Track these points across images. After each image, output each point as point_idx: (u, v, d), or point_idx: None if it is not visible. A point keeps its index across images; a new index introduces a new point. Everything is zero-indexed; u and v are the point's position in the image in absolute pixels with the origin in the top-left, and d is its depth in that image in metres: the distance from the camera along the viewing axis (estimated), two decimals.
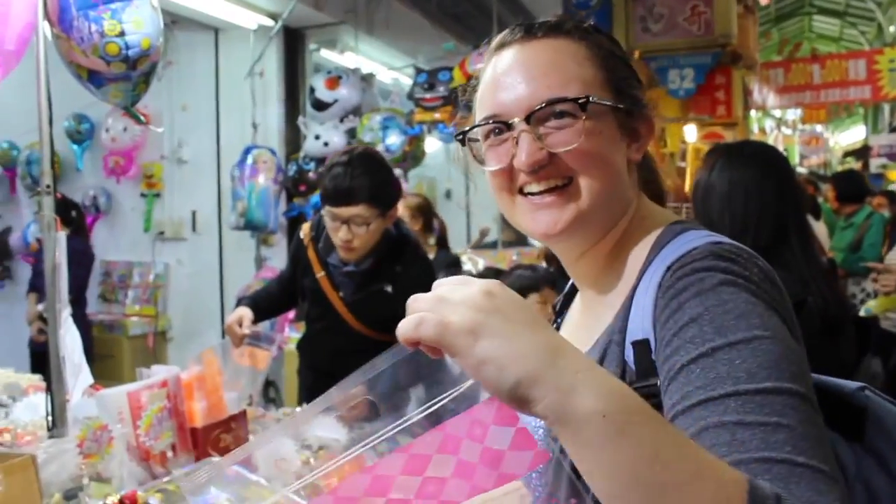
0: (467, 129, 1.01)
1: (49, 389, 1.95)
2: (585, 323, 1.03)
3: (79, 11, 1.81)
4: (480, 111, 1.01)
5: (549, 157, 0.93)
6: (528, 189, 0.96)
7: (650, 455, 0.60)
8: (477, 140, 1.01)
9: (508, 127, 0.95)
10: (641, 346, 0.86)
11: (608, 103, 0.96)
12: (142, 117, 2.11)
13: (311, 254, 2.73)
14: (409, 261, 2.62)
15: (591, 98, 0.93)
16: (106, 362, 5.65)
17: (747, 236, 1.85)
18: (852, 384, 0.93)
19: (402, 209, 4.17)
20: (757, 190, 1.95)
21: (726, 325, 0.77)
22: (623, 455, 0.60)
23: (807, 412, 0.72)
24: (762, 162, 2.01)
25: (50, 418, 1.93)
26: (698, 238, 0.90)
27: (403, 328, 0.64)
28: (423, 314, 0.64)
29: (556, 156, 0.93)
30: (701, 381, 0.75)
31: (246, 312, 2.77)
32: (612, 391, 0.62)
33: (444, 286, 0.67)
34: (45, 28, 1.88)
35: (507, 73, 0.97)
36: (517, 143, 0.94)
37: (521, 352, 0.62)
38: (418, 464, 0.64)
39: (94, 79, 1.92)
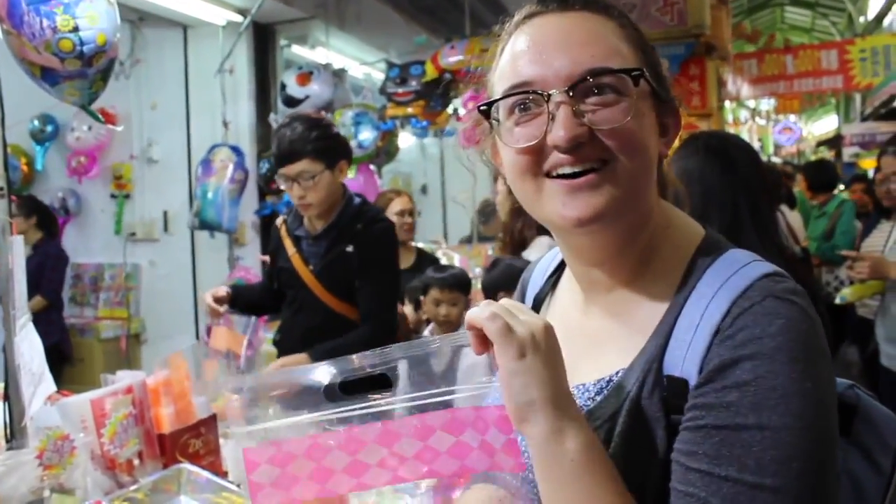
0: (495, 98, 0.90)
1: (7, 399, 1.88)
2: (596, 331, 0.95)
3: (29, 6, 1.74)
4: (503, 83, 0.90)
5: (589, 134, 0.84)
6: (560, 171, 0.86)
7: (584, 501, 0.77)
8: (497, 120, 0.91)
9: (543, 100, 0.85)
10: (678, 385, 0.82)
11: (654, 85, 0.89)
12: (100, 116, 2.04)
13: (283, 234, 2.85)
14: (370, 220, 2.74)
15: (644, 72, 0.86)
16: (77, 366, 5.56)
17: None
18: (842, 382, 0.94)
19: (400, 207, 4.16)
20: (700, 179, 1.93)
21: (765, 405, 0.76)
22: (563, 496, 0.78)
23: None
24: (706, 150, 1.99)
25: (8, 430, 1.86)
26: (745, 265, 0.85)
27: (476, 312, 0.79)
28: (497, 312, 0.78)
29: (596, 135, 0.84)
30: (713, 451, 0.77)
31: (222, 288, 2.87)
32: (586, 446, 0.77)
33: (513, 304, 0.82)
34: None
35: (541, 42, 0.87)
36: (553, 117, 0.84)
37: (547, 383, 0.77)
38: (426, 432, 0.81)
39: (48, 76, 1.85)
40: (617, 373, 0.88)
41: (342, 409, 0.82)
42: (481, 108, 0.92)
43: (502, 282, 2.90)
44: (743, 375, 0.77)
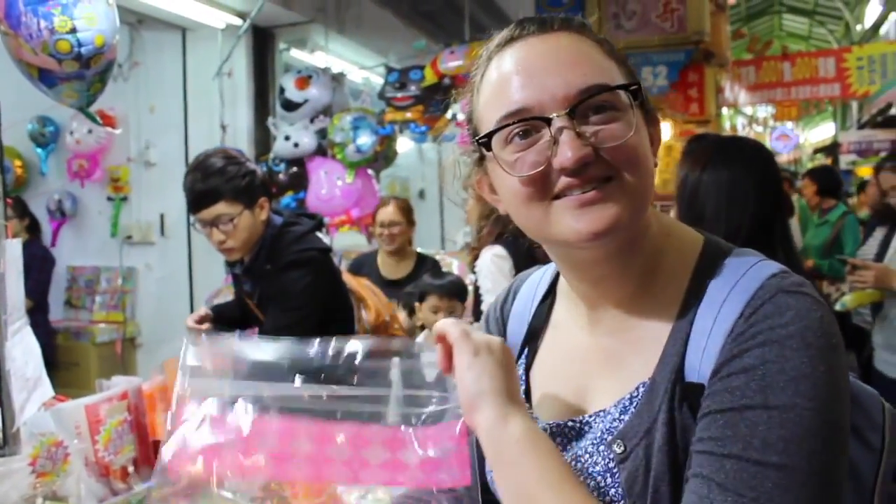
0: (492, 130, 0.88)
1: (0, 405, 1.85)
2: (608, 348, 0.94)
3: (27, 7, 1.71)
4: (494, 111, 0.88)
5: (594, 153, 0.83)
6: (568, 193, 0.85)
7: (529, 483, 0.81)
8: (490, 150, 0.90)
9: (545, 125, 0.84)
10: (697, 391, 0.82)
11: (644, 99, 0.89)
12: (98, 118, 2.01)
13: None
14: (280, 261, 2.49)
15: (640, 86, 0.87)
16: (72, 370, 5.53)
17: (732, 239, 1.78)
18: None
19: (381, 217, 4.09)
20: (743, 190, 1.86)
21: (773, 386, 0.76)
22: (513, 476, 0.82)
23: (798, 493, 0.73)
24: (749, 160, 1.91)
25: (0, 436, 1.83)
26: (752, 266, 0.86)
27: (444, 322, 0.90)
28: (461, 322, 0.90)
29: (601, 154, 0.84)
30: (718, 432, 0.77)
31: (203, 308, 2.80)
32: (529, 429, 0.84)
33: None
34: None
35: (528, 66, 0.86)
36: (556, 141, 0.83)
37: (495, 376, 0.85)
38: (361, 443, 0.90)
39: (45, 78, 1.83)
40: (637, 388, 0.87)
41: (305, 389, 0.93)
42: (481, 140, 0.90)
43: None
44: (750, 361, 0.78)
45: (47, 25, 1.73)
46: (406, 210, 4.21)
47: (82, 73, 1.81)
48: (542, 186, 0.86)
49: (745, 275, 0.85)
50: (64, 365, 5.59)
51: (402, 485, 0.90)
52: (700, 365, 0.82)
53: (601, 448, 0.87)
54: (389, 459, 0.88)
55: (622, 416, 0.87)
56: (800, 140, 19.51)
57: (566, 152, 0.82)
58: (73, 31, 1.72)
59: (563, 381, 0.98)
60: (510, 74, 0.87)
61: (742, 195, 1.86)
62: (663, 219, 0.97)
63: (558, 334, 1.04)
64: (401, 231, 4.13)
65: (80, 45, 1.74)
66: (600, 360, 0.94)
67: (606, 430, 0.88)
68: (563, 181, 0.85)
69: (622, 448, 0.85)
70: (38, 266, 5.48)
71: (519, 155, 0.86)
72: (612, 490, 0.85)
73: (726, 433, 0.76)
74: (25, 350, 1.88)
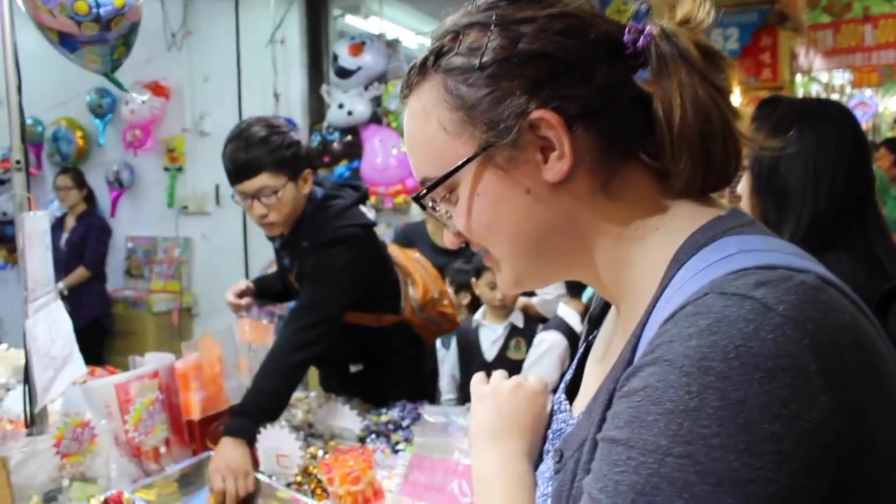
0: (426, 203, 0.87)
1: (27, 383, 1.79)
2: (613, 345, 0.85)
3: None
4: None
5: (461, 235, 0.85)
6: None
7: None
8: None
9: None
10: None
11: (458, 166, 0.77)
12: (124, 85, 1.91)
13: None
14: (318, 238, 2.34)
15: (425, 188, 0.81)
16: (130, 339, 5.60)
17: (820, 218, 1.58)
18: None
19: None
20: (833, 159, 1.62)
21: (642, 419, 0.60)
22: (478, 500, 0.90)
23: None
24: (838, 125, 1.66)
25: (26, 416, 1.77)
26: (724, 257, 0.66)
27: (474, 377, 1.02)
28: (485, 378, 1.01)
29: None
30: (595, 465, 0.66)
31: (243, 282, 2.69)
32: (496, 465, 0.90)
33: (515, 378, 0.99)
34: None
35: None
36: None
37: (483, 422, 0.95)
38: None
39: (66, 42, 1.74)
40: (596, 394, 0.76)
41: None
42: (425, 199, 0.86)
43: None
44: (636, 383, 0.62)
45: None
46: None
47: (104, 37, 1.71)
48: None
49: (710, 266, 0.66)
50: (121, 334, 5.67)
51: None
52: None
53: (552, 453, 0.81)
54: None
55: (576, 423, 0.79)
56: (878, 108, 18.58)
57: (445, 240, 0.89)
58: None
59: (589, 375, 0.90)
60: None
61: (832, 165, 1.62)
62: (655, 211, 0.78)
63: (608, 324, 0.92)
64: None
65: (98, 5, 1.63)
66: (598, 358, 0.89)
67: (563, 435, 0.83)
68: None
69: (559, 458, 0.77)
70: (95, 236, 5.61)
71: None
72: (547, 501, 0.78)
73: (597, 467, 0.64)
74: (52, 327, 1.81)
